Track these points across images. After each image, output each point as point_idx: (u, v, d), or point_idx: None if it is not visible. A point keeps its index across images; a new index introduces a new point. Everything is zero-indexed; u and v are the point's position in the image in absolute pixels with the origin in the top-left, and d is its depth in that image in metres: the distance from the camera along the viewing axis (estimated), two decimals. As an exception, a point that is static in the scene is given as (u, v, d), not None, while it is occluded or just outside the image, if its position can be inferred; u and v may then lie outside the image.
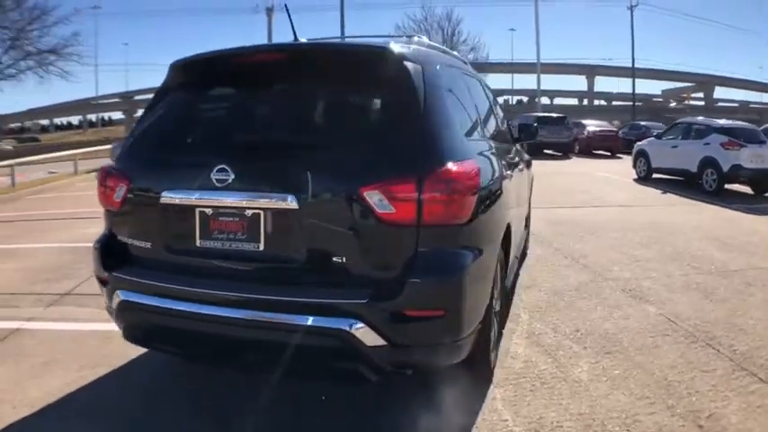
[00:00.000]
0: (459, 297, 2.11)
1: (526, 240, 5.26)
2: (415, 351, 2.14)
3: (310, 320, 2.02)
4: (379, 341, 2.01)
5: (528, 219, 5.21)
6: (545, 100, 66.05)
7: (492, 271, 2.49)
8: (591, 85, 65.50)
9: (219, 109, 2.56)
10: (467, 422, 2.42)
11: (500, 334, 3.07)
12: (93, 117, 68.80)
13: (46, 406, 2.61)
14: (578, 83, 66.74)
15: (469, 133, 2.72)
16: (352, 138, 2.22)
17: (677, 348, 3.20)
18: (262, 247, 2.20)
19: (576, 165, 17.42)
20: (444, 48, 3.33)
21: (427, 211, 2.03)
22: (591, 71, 62.77)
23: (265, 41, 22.20)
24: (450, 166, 2.11)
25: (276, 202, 2.14)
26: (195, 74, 2.63)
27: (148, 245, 2.43)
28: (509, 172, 3.43)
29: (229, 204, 2.21)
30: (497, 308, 2.97)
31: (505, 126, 4.57)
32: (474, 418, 2.46)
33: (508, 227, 2.95)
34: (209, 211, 2.26)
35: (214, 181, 2.19)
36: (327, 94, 2.47)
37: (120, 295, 2.40)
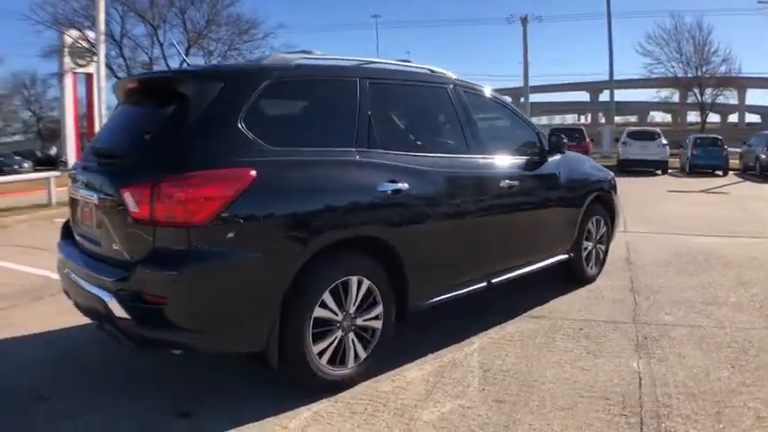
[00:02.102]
0: (181, 289, 2.16)
1: (573, 269, 4.19)
2: (158, 330, 2.18)
3: (93, 289, 2.33)
4: (125, 314, 2.17)
5: (579, 244, 4.13)
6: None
7: (273, 278, 2.29)
8: None
9: (108, 123, 3.02)
10: (255, 421, 2.22)
11: (371, 350, 2.61)
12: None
13: (32, 333, 3.31)
14: None
15: (306, 144, 2.54)
16: (139, 148, 2.42)
17: (590, 418, 2.23)
18: (96, 232, 2.54)
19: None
20: (347, 59, 3.01)
21: (159, 212, 2.17)
22: None
23: (521, 51, 22.51)
24: (187, 174, 2.16)
25: (90, 198, 2.54)
26: (117, 94, 3.10)
27: (72, 224, 2.95)
28: (444, 185, 2.97)
29: (81, 198, 2.67)
30: (364, 322, 2.60)
31: (526, 137, 3.90)
32: (263, 420, 2.23)
33: (387, 247, 2.64)
34: (82, 202, 2.71)
35: (77, 180, 2.69)
36: (150, 112, 2.65)
37: (58, 259, 2.95)
